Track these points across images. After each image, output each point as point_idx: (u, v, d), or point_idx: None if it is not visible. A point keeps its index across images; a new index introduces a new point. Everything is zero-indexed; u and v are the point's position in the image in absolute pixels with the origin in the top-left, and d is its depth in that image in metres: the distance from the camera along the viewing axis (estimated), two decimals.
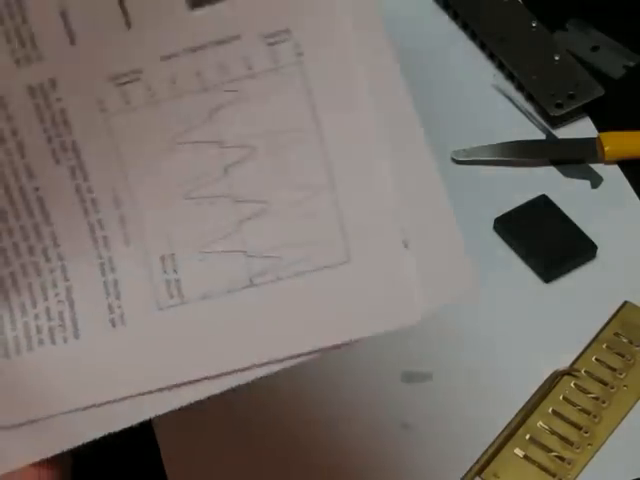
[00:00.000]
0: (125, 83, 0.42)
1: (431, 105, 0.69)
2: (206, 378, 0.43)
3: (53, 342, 0.43)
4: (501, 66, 0.70)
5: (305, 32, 0.42)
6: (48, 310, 0.43)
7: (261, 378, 0.56)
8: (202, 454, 0.54)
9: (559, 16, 0.73)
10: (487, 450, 0.53)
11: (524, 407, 0.54)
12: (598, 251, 0.61)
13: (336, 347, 0.42)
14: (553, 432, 0.54)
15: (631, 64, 0.71)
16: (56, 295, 0.43)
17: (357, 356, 0.57)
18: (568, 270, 0.60)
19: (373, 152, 0.42)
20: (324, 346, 0.42)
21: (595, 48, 0.71)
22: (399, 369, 0.57)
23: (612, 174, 0.65)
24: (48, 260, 0.43)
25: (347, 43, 0.42)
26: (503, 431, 0.53)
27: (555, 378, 0.55)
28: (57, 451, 0.42)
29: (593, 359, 0.56)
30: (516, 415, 0.54)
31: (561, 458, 0.53)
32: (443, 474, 0.53)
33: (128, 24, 0.41)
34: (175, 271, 0.43)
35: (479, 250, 0.62)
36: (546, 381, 0.55)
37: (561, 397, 0.55)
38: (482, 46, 0.71)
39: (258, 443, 0.54)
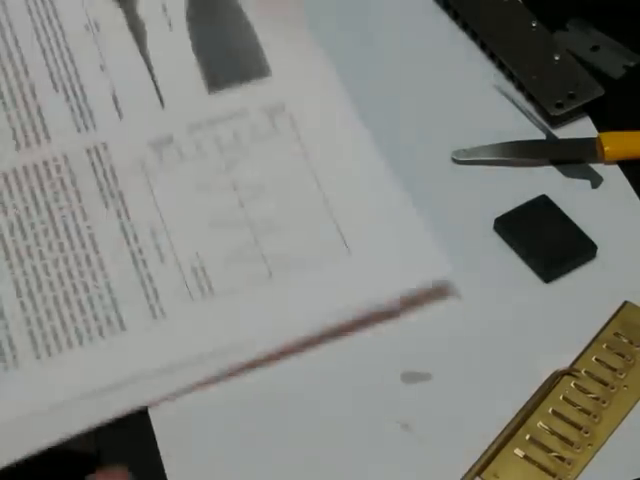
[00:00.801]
0: (161, 146, 0.56)
1: (431, 105, 0.69)
2: (234, 349, 0.53)
3: (102, 336, 0.53)
4: (501, 66, 0.70)
5: (297, 107, 0.58)
6: (96, 316, 0.53)
7: (257, 377, 0.57)
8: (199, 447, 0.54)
9: (559, 16, 0.73)
10: (487, 450, 0.53)
11: (524, 407, 0.54)
12: (598, 251, 0.61)
13: (339, 328, 0.55)
14: (553, 432, 0.54)
15: (631, 64, 0.71)
16: (103, 306, 0.53)
17: (357, 356, 0.57)
18: (568, 270, 0.60)
19: (359, 184, 0.57)
20: (329, 323, 0.54)
21: (595, 48, 0.71)
22: (399, 369, 0.57)
23: (612, 174, 0.65)
24: (95, 279, 0.54)
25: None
26: (503, 431, 0.53)
27: (555, 378, 0.55)
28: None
29: (593, 359, 0.56)
30: (516, 415, 0.54)
31: (561, 458, 0.53)
32: (443, 474, 0.53)
33: (162, 104, 0.58)
34: (205, 275, 0.54)
35: (479, 250, 0.62)
36: (546, 381, 0.55)
37: (561, 397, 0.55)
38: (482, 46, 0.71)
39: (255, 444, 0.54)
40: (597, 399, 0.55)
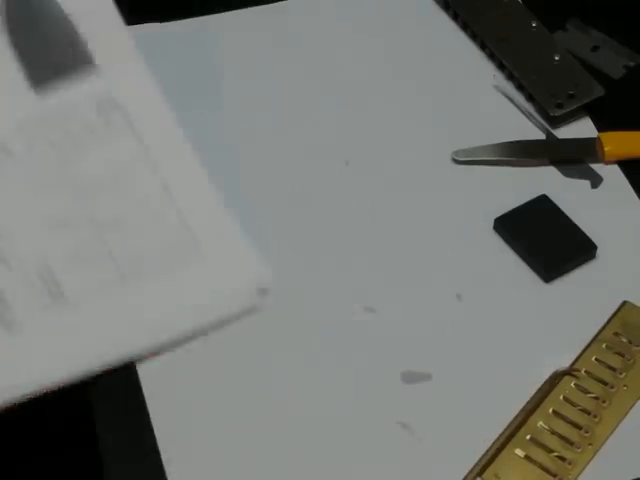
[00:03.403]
0: None
1: (431, 105, 0.69)
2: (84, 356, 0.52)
3: None
4: (501, 66, 0.70)
5: (126, 101, 0.57)
6: None
7: (260, 379, 0.57)
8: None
9: (559, 16, 0.73)
10: (488, 450, 0.53)
11: (524, 407, 0.54)
12: (598, 251, 0.61)
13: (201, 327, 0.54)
14: (554, 432, 0.54)
15: (631, 64, 0.71)
16: None
17: (357, 356, 0.57)
18: (568, 270, 0.60)
19: (198, 179, 0.56)
20: (191, 324, 0.53)
21: (595, 48, 0.71)
22: (399, 369, 0.57)
23: (612, 174, 0.65)
24: None
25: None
26: (504, 431, 0.53)
27: (555, 378, 0.55)
28: None
29: (593, 359, 0.56)
30: (517, 415, 0.54)
31: (562, 458, 0.53)
32: (443, 474, 0.53)
33: None
34: (54, 280, 0.52)
35: (479, 250, 0.62)
36: (546, 381, 0.55)
37: (561, 397, 0.55)
38: (482, 46, 0.71)
39: (256, 443, 0.54)
40: (597, 399, 0.55)
